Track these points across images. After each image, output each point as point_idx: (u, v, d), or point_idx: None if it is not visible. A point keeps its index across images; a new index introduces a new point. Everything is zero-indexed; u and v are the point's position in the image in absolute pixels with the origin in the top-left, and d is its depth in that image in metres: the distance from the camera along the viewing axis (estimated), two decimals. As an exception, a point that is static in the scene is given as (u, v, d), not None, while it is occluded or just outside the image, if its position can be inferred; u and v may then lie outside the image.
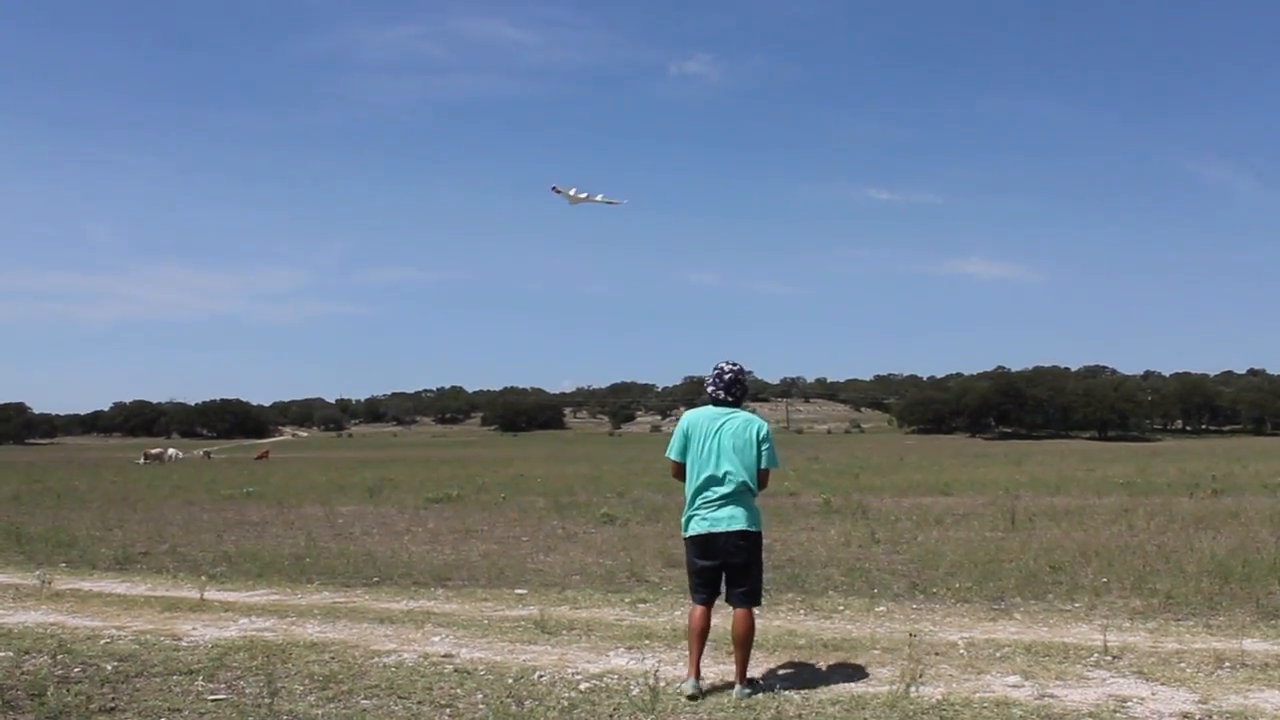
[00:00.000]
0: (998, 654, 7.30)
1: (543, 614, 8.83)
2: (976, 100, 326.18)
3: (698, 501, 6.33)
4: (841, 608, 9.46)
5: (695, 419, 6.46)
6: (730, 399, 6.49)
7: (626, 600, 9.98)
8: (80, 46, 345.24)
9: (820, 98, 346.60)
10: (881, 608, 9.43)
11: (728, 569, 6.30)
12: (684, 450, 6.44)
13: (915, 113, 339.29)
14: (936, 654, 7.30)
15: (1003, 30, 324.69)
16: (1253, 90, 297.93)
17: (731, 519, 6.24)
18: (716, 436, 6.33)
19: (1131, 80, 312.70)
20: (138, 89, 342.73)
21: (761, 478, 6.38)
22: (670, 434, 6.71)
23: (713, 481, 6.28)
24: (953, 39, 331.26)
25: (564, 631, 8.37)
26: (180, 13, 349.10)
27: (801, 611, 9.32)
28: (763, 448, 6.34)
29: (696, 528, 6.31)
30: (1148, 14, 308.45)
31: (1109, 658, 7.07)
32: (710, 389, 6.53)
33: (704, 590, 6.35)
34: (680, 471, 6.49)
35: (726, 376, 6.51)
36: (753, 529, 6.31)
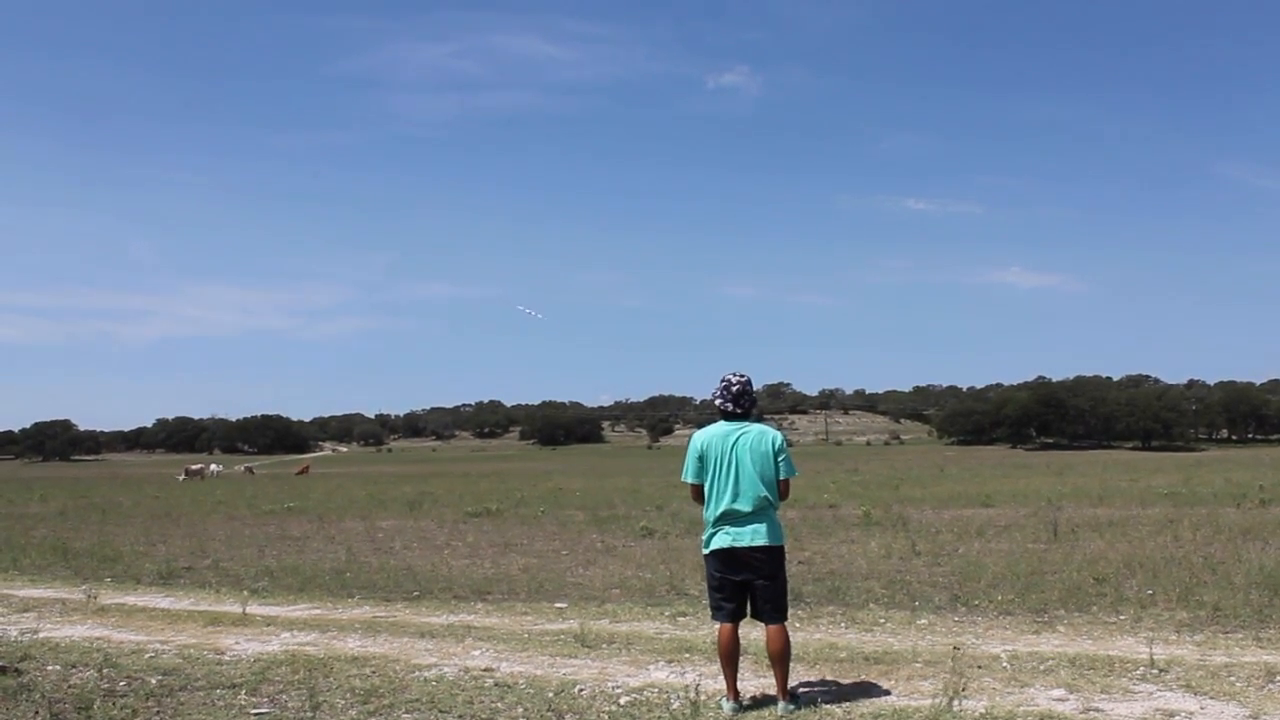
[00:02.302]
0: (1041, 667, 7.22)
1: (583, 628, 8.83)
2: (1014, 110, 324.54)
3: (721, 520, 6.24)
4: (883, 621, 9.40)
5: (707, 438, 6.36)
6: (739, 411, 6.38)
7: (667, 613, 9.96)
8: (124, 70, 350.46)
9: (857, 108, 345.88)
10: (923, 620, 9.36)
11: (753, 585, 6.22)
12: (700, 472, 6.34)
13: (953, 123, 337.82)
14: (979, 667, 7.23)
15: (1040, 41, 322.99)
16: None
17: (755, 534, 6.17)
18: (733, 453, 6.24)
19: (1172, 88, 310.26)
20: (180, 110, 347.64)
21: (782, 488, 6.29)
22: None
23: (735, 499, 6.19)
24: (990, 49, 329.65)
25: (604, 645, 8.35)
26: (221, 34, 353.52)
27: (842, 624, 9.26)
28: (779, 459, 6.26)
29: (719, 542, 6.24)
30: (1186, 23, 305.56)
31: (1155, 671, 6.98)
32: (719, 402, 6.40)
33: (728, 605, 6.27)
34: (700, 494, 6.38)
35: (734, 388, 6.38)
36: (776, 543, 6.23)
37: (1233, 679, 6.73)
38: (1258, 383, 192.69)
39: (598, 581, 12.40)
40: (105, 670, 7.52)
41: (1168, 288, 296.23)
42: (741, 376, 6.44)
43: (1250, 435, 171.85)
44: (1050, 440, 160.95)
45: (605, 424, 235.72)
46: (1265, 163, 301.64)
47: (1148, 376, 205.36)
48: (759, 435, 6.29)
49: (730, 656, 6.24)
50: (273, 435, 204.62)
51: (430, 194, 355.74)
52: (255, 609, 10.74)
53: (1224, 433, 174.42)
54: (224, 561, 15.28)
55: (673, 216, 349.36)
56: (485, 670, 7.43)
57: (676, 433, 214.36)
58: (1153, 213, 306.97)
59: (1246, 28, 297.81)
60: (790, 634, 6.34)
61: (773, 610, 6.22)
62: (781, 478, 6.28)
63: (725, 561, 6.24)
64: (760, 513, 6.20)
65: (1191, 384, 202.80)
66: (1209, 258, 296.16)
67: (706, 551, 6.36)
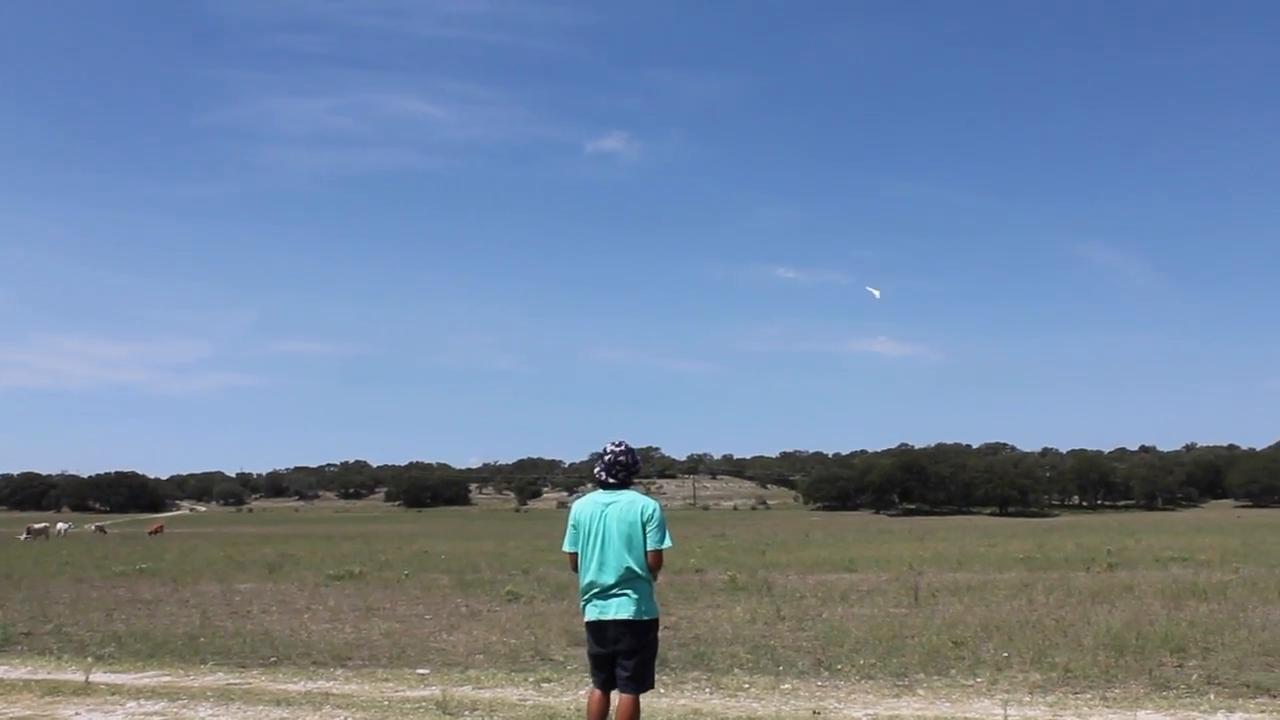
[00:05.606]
0: (901, 731, 7.32)
1: (445, 694, 8.68)
2: (884, 184, 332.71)
3: (588, 590, 6.22)
4: (747, 686, 9.43)
5: (581, 508, 6.35)
6: (614, 481, 6.33)
7: (530, 680, 9.85)
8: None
9: (733, 178, 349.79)
10: (787, 685, 9.43)
11: (615, 655, 6.18)
12: (575, 540, 6.33)
13: (824, 195, 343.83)
14: (841, 731, 7.29)
15: (908, 117, 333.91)
16: (1142, 178, 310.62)
17: (619, 607, 6.12)
18: (602, 522, 6.20)
19: (1027, 168, 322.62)
20: (37, 153, 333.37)
21: (651, 559, 6.17)
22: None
23: (600, 570, 6.15)
24: (860, 125, 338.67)
25: (466, 712, 8.23)
26: (88, 80, 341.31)
27: (707, 690, 9.27)
28: (648, 529, 6.16)
29: (589, 614, 6.22)
30: (1046, 106, 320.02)
31: (1009, 733, 7.13)
32: (596, 471, 6.41)
33: (600, 674, 6.25)
34: (575, 563, 6.36)
35: (606, 458, 6.36)
36: (641, 617, 6.15)
37: (1082, 740, 6.92)
38: (1106, 451, 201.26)
39: (461, 647, 12.21)
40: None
41: (1025, 359, 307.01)
42: (618, 445, 6.38)
43: (1100, 501, 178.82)
44: (913, 506, 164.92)
45: (473, 486, 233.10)
46: (1117, 244, 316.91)
47: (1005, 444, 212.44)
48: (629, 505, 6.23)
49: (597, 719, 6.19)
50: (127, 493, 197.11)
51: (301, 250, 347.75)
52: (100, 677, 10.28)
53: (1075, 499, 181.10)
54: (67, 626, 14.60)
55: (546, 279, 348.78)
56: (342, 739, 7.23)
57: (545, 496, 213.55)
58: (1011, 288, 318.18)
59: (1105, 113, 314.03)
60: (655, 699, 6.31)
61: (630, 681, 6.15)
62: (649, 548, 6.18)
63: (595, 633, 6.22)
64: (625, 584, 6.13)
65: (1046, 452, 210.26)
66: (1063, 332, 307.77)
67: (584, 620, 6.34)
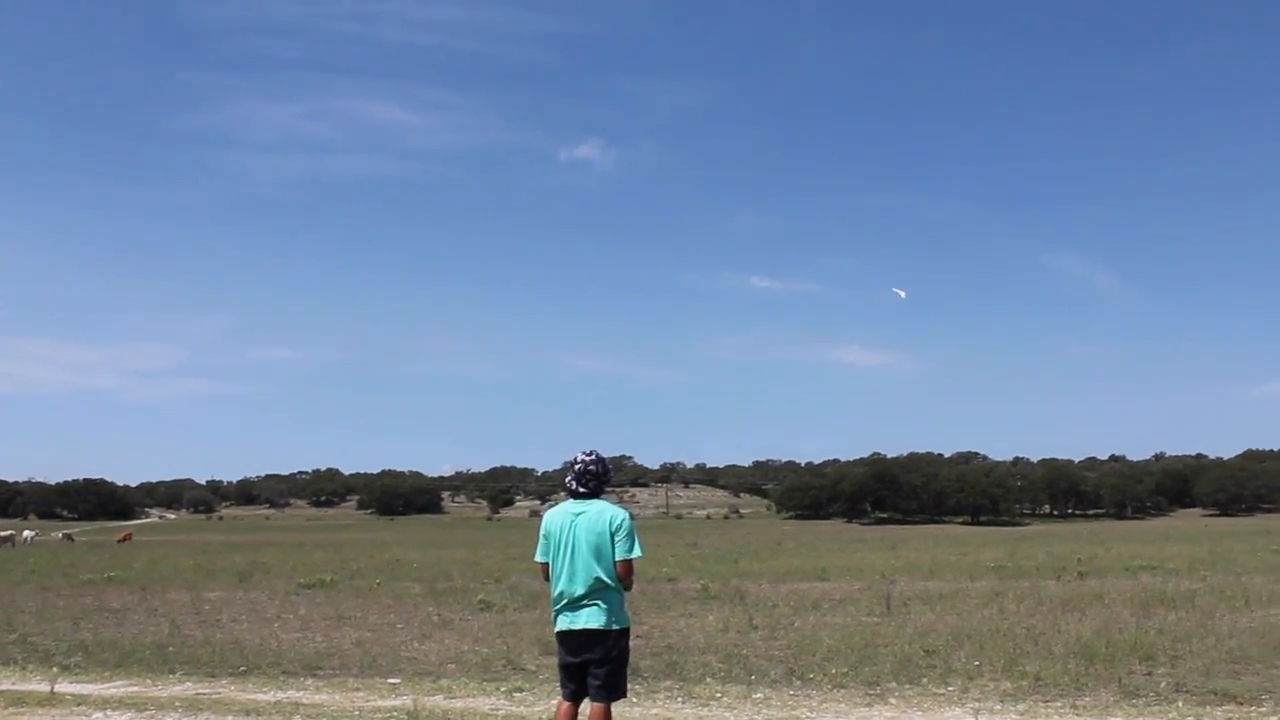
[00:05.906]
0: (873, 739, 7.33)
1: (416, 704, 8.65)
2: (856, 194, 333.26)
3: (558, 600, 6.21)
4: (719, 695, 9.43)
5: (551, 517, 6.34)
6: (584, 490, 6.31)
7: (502, 689, 9.82)
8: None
9: (706, 186, 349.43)
10: (759, 694, 9.43)
11: (586, 664, 6.18)
12: (546, 550, 6.32)
13: (797, 204, 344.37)
14: (813, 740, 7.30)
15: (880, 127, 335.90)
16: (1110, 187, 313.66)
17: (589, 616, 6.12)
18: (571, 532, 6.19)
19: (996, 177, 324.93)
20: (6, 154, 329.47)
21: (621, 569, 6.18)
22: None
23: (570, 581, 6.15)
24: (832, 134, 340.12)
25: (437, 722, 8.18)
26: (56, 80, 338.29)
27: (679, 699, 9.26)
28: (616, 539, 6.16)
29: (560, 624, 6.22)
30: (1009, 115, 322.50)
31: (980, 742, 7.16)
32: (566, 480, 6.40)
33: (570, 685, 6.23)
34: (548, 573, 6.35)
35: (577, 467, 6.35)
36: (611, 627, 6.14)
37: (1052, 749, 6.95)
38: (1076, 460, 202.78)
39: (433, 656, 12.16)
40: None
41: (995, 368, 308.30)
42: (589, 455, 6.36)
43: (1070, 510, 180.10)
44: (884, 515, 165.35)
45: (445, 494, 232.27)
46: (1085, 253, 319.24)
47: (976, 453, 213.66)
48: (597, 514, 6.22)
49: (564, 730, 6.17)
50: (95, 500, 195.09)
51: (273, 256, 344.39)
52: (65, 687, 10.18)
53: (1046, 508, 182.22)
54: (33, 636, 14.45)
55: (520, 286, 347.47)
56: (312, 750, 7.19)
57: (517, 504, 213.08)
58: (982, 297, 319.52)
59: (1072, 121, 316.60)
60: (627, 708, 6.30)
61: (600, 689, 6.14)
62: (618, 558, 6.17)
63: (565, 643, 6.22)
64: (595, 594, 6.13)
65: (1017, 461, 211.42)
66: (1034, 341, 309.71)
67: (555, 631, 6.32)
